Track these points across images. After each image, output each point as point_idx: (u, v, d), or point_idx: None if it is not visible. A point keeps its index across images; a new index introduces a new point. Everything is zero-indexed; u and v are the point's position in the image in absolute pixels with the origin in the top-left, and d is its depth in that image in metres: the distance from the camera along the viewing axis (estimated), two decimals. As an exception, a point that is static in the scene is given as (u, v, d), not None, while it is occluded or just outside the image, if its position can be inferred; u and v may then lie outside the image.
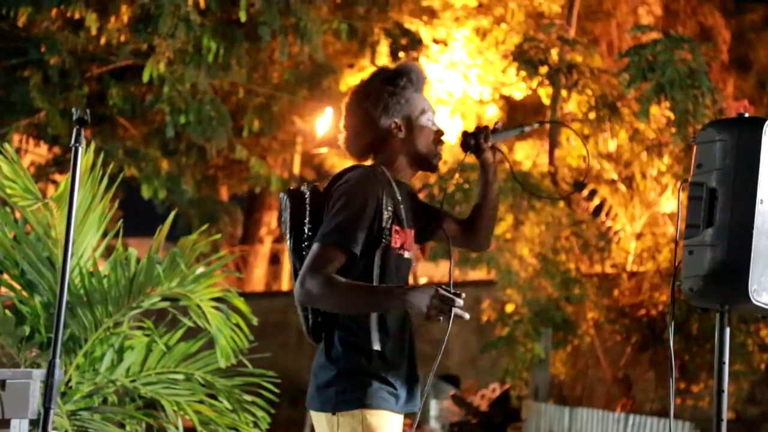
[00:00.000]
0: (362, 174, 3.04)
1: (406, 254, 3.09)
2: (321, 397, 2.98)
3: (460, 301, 2.74)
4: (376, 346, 2.95)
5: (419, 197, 3.31)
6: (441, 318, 2.74)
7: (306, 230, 3.05)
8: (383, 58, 14.60)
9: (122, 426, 4.98)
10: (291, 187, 3.21)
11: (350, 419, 2.91)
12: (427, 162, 3.16)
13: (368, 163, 3.20)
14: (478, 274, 14.54)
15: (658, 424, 10.12)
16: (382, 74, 3.22)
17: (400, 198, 3.09)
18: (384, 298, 2.86)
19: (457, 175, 12.48)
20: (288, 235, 3.09)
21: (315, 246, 2.95)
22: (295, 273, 3.06)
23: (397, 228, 3.04)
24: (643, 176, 13.33)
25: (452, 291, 2.75)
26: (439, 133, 3.18)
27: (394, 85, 3.13)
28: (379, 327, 2.97)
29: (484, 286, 14.85)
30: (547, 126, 14.46)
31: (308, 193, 3.10)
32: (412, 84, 3.16)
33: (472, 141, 3.16)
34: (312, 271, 2.89)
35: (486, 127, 3.17)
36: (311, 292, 2.89)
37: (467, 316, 2.79)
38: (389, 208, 3.01)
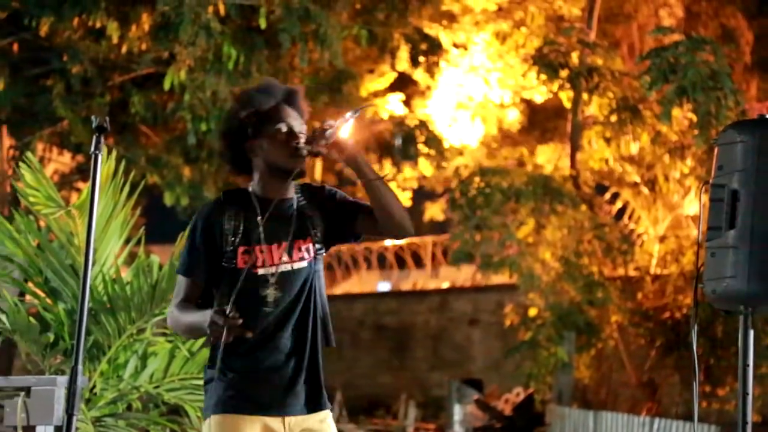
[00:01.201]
0: (204, 206, 3.30)
1: (262, 270, 3.17)
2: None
3: (223, 324, 2.91)
4: (218, 363, 3.09)
5: (334, 197, 3.34)
6: (220, 337, 2.94)
7: None
8: (403, 64, 14.61)
9: (146, 432, 5.00)
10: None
11: (206, 426, 3.18)
12: (282, 170, 3.20)
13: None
14: (500, 278, 14.52)
15: (684, 427, 10.07)
16: (233, 103, 3.42)
17: (267, 214, 3.18)
18: (200, 322, 3.05)
19: (477, 179, 12.48)
20: None
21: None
22: None
23: (246, 248, 3.16)
24: (666, 179, 13.26)
25: (226, 311, 2.93)
26: (292, 139, 3.21)
27: (233, 110, 3.30)
28: (232, 342, 3.09)
29: (507, 291, 14.82)
30: (568, 130, 14.43)
31: None
32: (251, 103, 3.25)
33: (308, 147, 3.19)
34: (170, 304, 3.26)
35: (316, 129, 3.20)
36: (168, 323, 3.27)
37: (248, 334, 3.00)
38: (232, 230, 3.17)
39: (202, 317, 3.03)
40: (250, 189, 3.26)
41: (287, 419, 3.16)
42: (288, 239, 3.21)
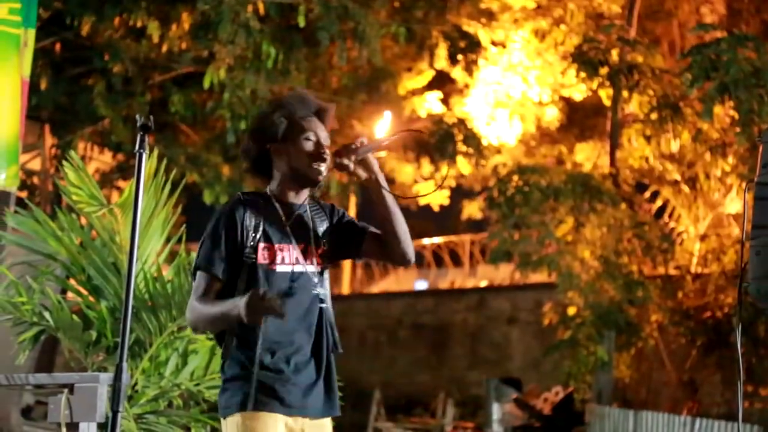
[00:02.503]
0: (225, 204, 3.36)
1: (282, 268, 3.25)
2: (218, 403, 3.28)
3: (265, 304, 2.94)
4: (256, 357, 3.16)
5: (344, 217, 3.45)
6: (259, 316, 2.98)
7: None
8: (441, 61, 14.58)
9: (187, 429, 5.03)
10: None
11: (232, 423, 3.17)
12: (304, 178, 3.33)
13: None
14: (538, 277, 14.46)
15: (726, 427, 9.97)
16: (264, 107, 3.58)
17: (284, 216, 3.31)
18: (228, 310, 3.08)
19: (516, 177, 12.43)
20: None
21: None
22: None
23: (267, 245, 3.25)
24: (707, 177, 13.13)
25: (263, 292, 2.96)
26: (319, 151, 3.32)
27: (267, 113, 3.40)
28: (262, 338, 3.18)
29: (545, 289, 14.76)
30: (607, 128, 14.34)
31: None
32: (286, 109, 3.36)
33: (336, 159, 3.27)
34: (190, 298, 3.25)
35: (349, 145, 3.28)
36: (188, 317, 3.25)
37: (284, 315, 3.00)
38: (254, 227, 3.25)
39: (231, 304, 3.06)
40: (268, 191, 3.37)
41: (302, 420, 3.22)
42: (303, 243, 3.32)
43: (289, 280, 3.24)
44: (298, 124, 3.33)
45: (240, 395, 3.16)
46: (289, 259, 3.27)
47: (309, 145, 3.31)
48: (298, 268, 3.28)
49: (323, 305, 3.31)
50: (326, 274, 3.37)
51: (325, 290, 3.34)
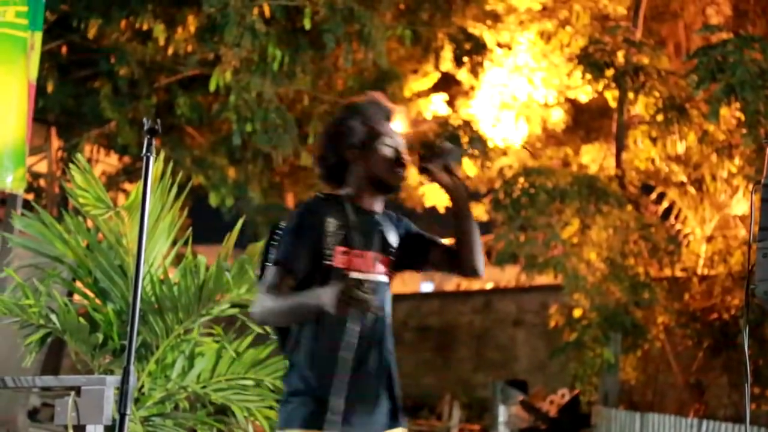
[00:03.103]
0: (306, 202, 3.31)
1: (355, 275, 3.15)
2: (279, 414, 3.23)
3: (363, 294, 2.84)
4: (309, 371, 3.11)
5: (411, 227, 3.42)
6: (350, 309, 2.89)
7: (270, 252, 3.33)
8: (447, 64, 14.58)
9: (194, 432, 5.04)
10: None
11: None
12: (383, 184, 3.29)
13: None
14: (544, 278, 14.44)
15: (733, 429, 9.95)
16: (340, 112, 3.43)
17: (358, 222, 3.24)
18: (307, 300, 3.03)
19: (522, 180, 12.43)
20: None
21: (266, 269, 3.23)
22: None
23: (345, 249, 3.18)
24: (713, 178, 13.11)
25: (357, 281, 2.88)
26: (398, 156, 3.28)
27: (345, 118, 3.34)
28: (318, 352, 3.12)
29: (551, 291, 14.75)
30: (613, 130, 14.33)
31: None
32: (364, 115, 3.31)
33: (422, 164, 3.24)
34: (258, 292, 3.20)
35: (434, 150, 3.24)
36: (254, 312, 3.17)
37: (380, 311, 2.96)
38: (334, 230, 3.18)
39: (312, 294, 3.00)
40: (344, 195, 3.31)
41: None
42: (377, 251, 3.27)
43: (365, 286, 3.08)
44: (376, 129, 3.29)
45: (303, 411, 3.10)
46: (365, 266, 3.22)
47: (388, 151, 3.27)
48: (371, 277, 3.21)
49: (387, 317, 3.27)
50: (389, 285, 3.33)
51: (389, 301, 3.30)
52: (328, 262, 3.15)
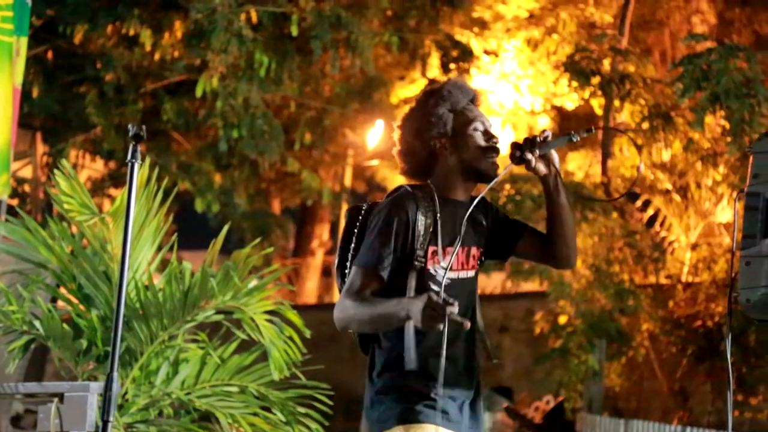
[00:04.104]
0: (395, 195, 3.09)
1: (451, 274, 3.06)
2: (367, 417, 3.06)
3: (452, 308, 2.69)
4: (411, 366, 2.93)
5: (500, 212, 3.28)
6: (437, 323, 2.72)
7: (351, 248, 3.11)
8: (434, 71, 14.60)
9: (178, 438, 5.02)
10: (354, 205, 3.25)
11: None
12: (478, 172, 3.13)
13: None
14: (530, 285, 14.46)
15: (716, 437, 9.98)
16: (421, 96, 3.25)
17: (453, 215, 3.08)
18: (394, 312, 2.85)
19: (508, 186, 12.45)
20: (338, 252, 3.17)
21: (351, 269, 3.03)
22: (339, 290, 3.13)
23: (436, 248, 3.04)
24: (698, 186, 13.16)
25: (444, 298, 2.72)
26: (491, 140, 3.15)
27: (430, 107, 3.15)
28: (416, 345, 2.96)
29: (537, 298, 14.75)
30: (600, 135, 14.37)
31: (364, 211, 3.14)
32: (449, 102, 3.15)
33: (518, 152, 3.09)
34: (342, 295, 2.99)
35: (534, 138, 3.10)
36: (338, 317, 2.97)
37: (467, 323, 2.79)
38: (425, 228, 3.02)
39: (398, 305, 2.83)
40: (433, 187, 3.12)
41: None
42: (469, 245, 3.13)
43: (455, 286, 3.05)
44: (464, 114, 3.14)
45: (399, 407, 2.97)
46: (456, 264, 3.09)
47: (479, 136, 3.13)
48: (462, 274, 3.10)
49: (476, 311, 3.19)
50: (477, 276, 3.20)
51: (477, 293, 3.20)
52: (419, 263, 3.01)
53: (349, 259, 3.08)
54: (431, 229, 3.03)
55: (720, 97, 9.89)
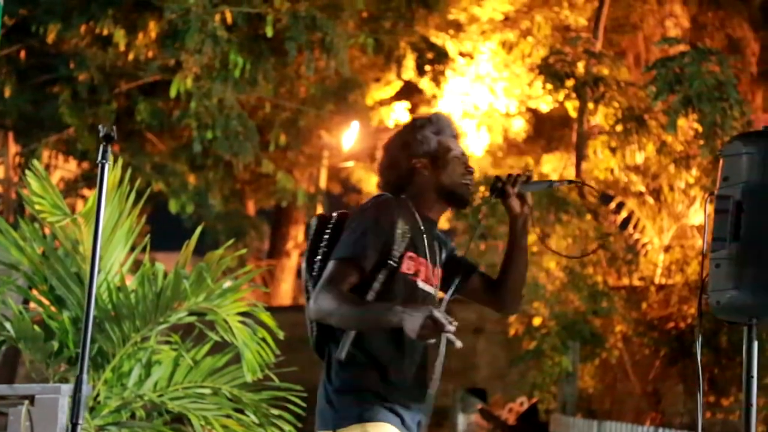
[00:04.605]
0: (381, 199, 3.20)
1: (421, 283, 3.16)
2: (322, 416, 3.12)
3: (451, 327, 2.80)
4: (341, 356, 3.03)
5: (455, 249, 3.39)
6: (431, 339, 2.84)
7: (320, 251, 3.17)
8: (409, 72, 14.61)
9: (150, 440, 5.00)
10: (322, 213, 3.34)
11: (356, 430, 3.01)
12: (453, 195, 3.27)
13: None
14: (505, 287, 14.48)
15: (688, 438, 10.03)
16: (410, 120, 3.45)
17: (423, 229, 3.20)
18: (386, 315, 2.92)
19: (482, 188, 12.48)
20: (305, 255, 3.23)
21: (330, 264, 3.07)
22: (305, 291, 3.18)
23: (412, 254, 3.14)
24: (671, 188, 13.26)
25: (445, 316, 2.80)
26: (467, 168, 3.29)
27: (417, 127, 3.31)
28: (384, 344, 3.06)
29: (512, 300, 14.78)
30: (574, 140, 14.43)
31: (335, 219, 3.23)
32: (436, 127, 3.30)
33: (500, 183, 3.23)
34: (324, 287, 3.02)
35: (518, 175, 3.25)
36: (322, 308, 3.01)
37: (459, 343, 2.87)
38: (405, 234, 3.12)
39: (388, 310, 2.90)
40: (409, 201, 3.24)
41: None
42: (434, 263, 3.25)
43: (426, 297, 3.15)
44: (447, 142, 3.29)
45: (358, 406, 3.03)
46: (424, 276, 3.19)
47: (458, 163, 3.27)
48: (428, 288, 3.20)
49: None
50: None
51: None
52: (394, 264, 3.09)
53: (319, 261, 3.14)
54: (408, 236, 3.12)
55: (693, 100, 9.98)
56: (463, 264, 3.37)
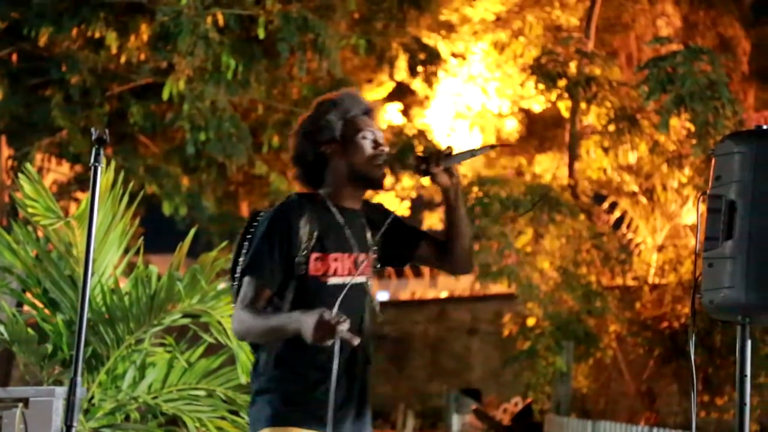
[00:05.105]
0: (279, 205, 3.17)
1: (335, 279, 3.11)
2: (248, 414, 3.18)
3: (343, 326, 2.78)
4: (280, 370, 3.07)
5: (397, 219, 3.30)
6: (327, 341, 2.82)
7: (243, 252, 3.17)
8: (402, 73, 14.63)
9: (144, 443, 4.99)
10: (255, 209, 3.33)
11: None
12: (366, 179, 3.19)
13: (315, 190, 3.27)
14: (498, 288, 14.52)
15: (682, 437, 10.05)
16: (314, 104, 3.32)
17: (340, 222, 3.15)
18: (286, 326, 2.94)
19: (476, 189, 12.49)
20: (233, 253, 3.24)
21: (243, 279, 3.09)
22: (233, 289, 3.18)
23: (318, 255, 3.09)
24: (664, 188, 13.28)
25: (335, 315, 2.79)
26: (379, 149, 3.20)
27: (321, 113, 3.22)
28: (294, 348, 3.02)
29: (505, 300, 14.82)
30: (566, 140, 14.46)
31: (262, 216, 3.21)
32: (341, 108, 3.22)
33: (423, 165, 3.15)
34: (237, 308, 3.06)
35: (439, 152, 3.14)
36: (239, 330, 3.06)
37: (356, 340, 2.85)
38: (311, 234, 3.08)
39: (291, 319, 2.90)
40: (323, 194, 3.19)
41: None
42: (358, 251, 3.18)
43: (340, 293, 3.04)
44: (355, 122, 3.19)
45: (271, 409, 3.05)
46: (342, 270, 3.13)
47: (368, 144, 3.18)
48: (348, 280, 3.11)
49: (366, 318, 3.20)
50: (372, 282, 3.25)
51: (371, 299, 3.23)
52: (302, 272, 3.07)
53: (239, 263, 3.15)
54: (314, 235, 3.09)
55: (685, 100, 9.99)
56: (411, 233, 3.33)
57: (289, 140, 3.30)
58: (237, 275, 3.13)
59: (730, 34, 16.44)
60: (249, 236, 3.16)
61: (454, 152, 3.16)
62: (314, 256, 3.08)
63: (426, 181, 3.20)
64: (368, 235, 3.22)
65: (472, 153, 3.17)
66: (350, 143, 3.17)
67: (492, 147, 3.41)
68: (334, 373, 2.88)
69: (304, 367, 3.06)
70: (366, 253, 3.19)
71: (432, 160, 3.12)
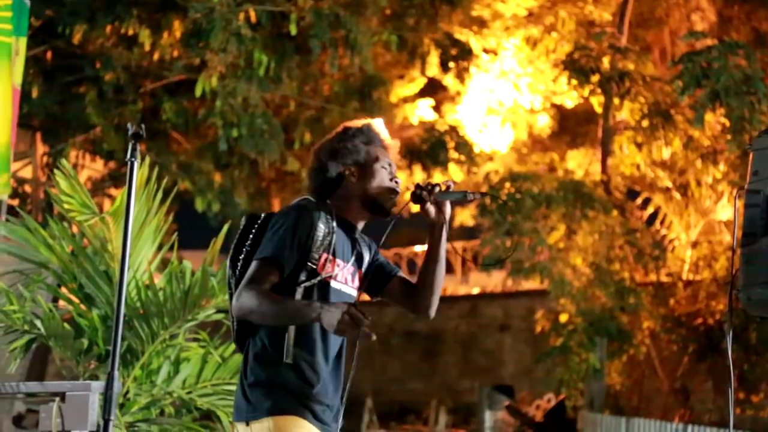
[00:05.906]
0: (303, 203, 3.34)
1: (336, 284, 3.29)
2: (238, 408, 3.25)
3: (366, 321, 2.91)
4: (288, 359, 3.17)
5: (379, 252, 3.52)
6: (348, 333, 2.94)
7: (244, 250, 3.32)
8: (433, 69, 14.59)
9: (179, 437, 5.02)
10: (252, 212, 3.50)
11: (261, 427, 3.14)
12: (378, 205, 3.39)
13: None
14: (531, 284, 14.47)
15: (717, 434, 9.97)
16: (341, 128, 3.53)
17: (344, 233, 3.35)
18: (304, 311, 3.05)
19: (508, 185, 12.45)
20: (230, 253, 3.39)
21: (252, 263, 3.21)
22: (228, 288, 3.34)
23: (328, 257, 3.26)
24: (698, 184, 13.17)
25: (362, 312, 2.92)
26: (393, 179, 3.42)
27: (348, 136, 3.44)
28: (295, 343, 3.18)
29: (538, 296, 14.77)
30: (599, 135, 14.38)
31: (261, 219, 3.37)
32: (366, 136, 3.44)
33: (418, 190, 3.33)
34: (246, 286, 3.15)
35: (437, 185, 3.33)
36: (244, 306, 3.13)
37: (374, 337, 2.94)
38: (323, 236, 3.25)
39: (308, 306, 3.03)
40: (333, 207, 3.38)
41: None
42: (355, 266, 3.39)
43: (337, 297, 3.25)
44: (377, 153, 3.42)
45: (272, 399, 3.15)
46: (342, 278, 3.31)
47: (386, 174, 3.40)
48: (346, 289, 3.32)
49: None
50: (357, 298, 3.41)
51: None
52: (312, 265, 3.22)
53: (242, 259, 3.29)
54: (327, 240, 3.26)
55: (720, 95, 9.90)
56: (385, 267, 3.51)
57: (311, 155, 3.49)
58: (235, 267, 3.30)
59: (765, 29, 16.26)
60: (252, 234, 3.32)
61: (449, 190, 3.34)
62: (325, 256, 3.25)
63: (416, 208, 3.37)
64: (364, 255, 3.44)
65: (464, 194, 3.31)
66: (370, 169, 3.40)
67: (483, 195, 3.58)
68: (354, 362, 3.04)
69: (306, 362, 3.19)
70: (360, 270, 3.41)
71: (427, 188, 3.33)
